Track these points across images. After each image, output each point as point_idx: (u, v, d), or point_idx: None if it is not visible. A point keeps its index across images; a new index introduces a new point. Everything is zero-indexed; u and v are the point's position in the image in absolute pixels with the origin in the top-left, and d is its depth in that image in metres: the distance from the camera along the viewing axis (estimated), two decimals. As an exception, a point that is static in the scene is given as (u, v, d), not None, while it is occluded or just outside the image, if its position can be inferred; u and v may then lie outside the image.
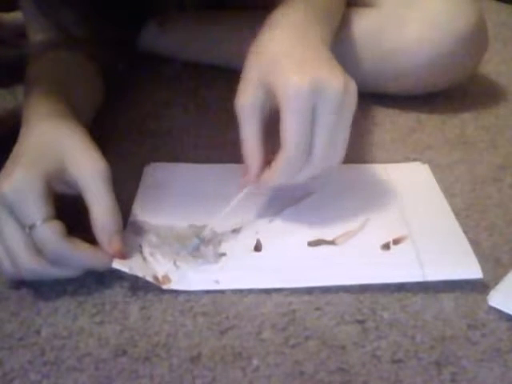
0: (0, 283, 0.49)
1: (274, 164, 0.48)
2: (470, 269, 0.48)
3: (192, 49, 0.85)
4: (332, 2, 0.62)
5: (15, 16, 0.92)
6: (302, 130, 0.46)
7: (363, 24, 0.73)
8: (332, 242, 0.52)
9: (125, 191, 0.57)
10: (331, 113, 0.47)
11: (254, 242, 0.52)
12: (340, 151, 0.49)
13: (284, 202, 0.56)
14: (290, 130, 0.46)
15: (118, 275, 0.48)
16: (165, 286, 0.47)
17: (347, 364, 0.42)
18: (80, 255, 0.46)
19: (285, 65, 0.48)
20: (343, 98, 0.47)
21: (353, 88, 0.48)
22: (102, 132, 0.55)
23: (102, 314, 0.46)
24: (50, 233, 0.44)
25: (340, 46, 0.72)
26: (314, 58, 0.49)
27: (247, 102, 0.49)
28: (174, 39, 0.86)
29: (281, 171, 0.48)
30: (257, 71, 0.50)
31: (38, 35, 0.70)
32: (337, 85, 0.47)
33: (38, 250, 0.45)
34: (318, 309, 0.46)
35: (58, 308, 0.47)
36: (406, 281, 0.48)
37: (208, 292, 0.48)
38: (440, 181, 0.60)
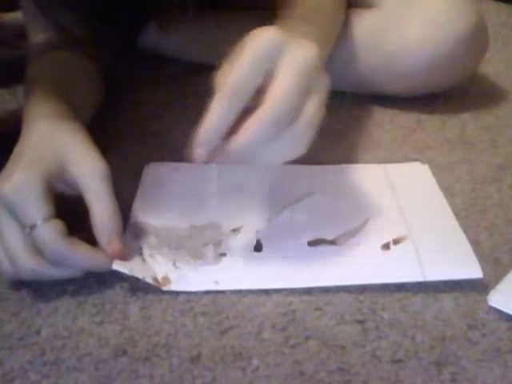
0: (0, 283, 0.49)
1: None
2: (470, 268, 0.48)
3: (193, 49, 0.85)
4: (329, 21, 0.62)
5: (14, 16, 0.92)
6: (248, 70, 0.42)
7: (364, 25, 0.73)
8: (332, 242, 0.52)
9: (125, 191, 0.57)
10: (294, 74, 0.42)
11: (254, 242, 0.52)
12: (306, 119, 0.43)
13: (284, 202, 0.56)
14: (237, 68, 0.42)
15: (119, 275, 0.48)
16: (165, 288, 0.47)
17: (347, 364, 0.42)
18: (80, 256, 0.46)
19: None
20: (312, 66, 0.43)
21: (326, 75, 0.44)
22: (103, 132, 0.55)
23: (102, 313, 0.46)
24: (51, 232, 0.44)
25: (341, 46, 0.72)
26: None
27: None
28: (175, 40, 0.86)
29: (214, 111, 0.42)
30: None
31: (38, 35, 0.70)
32: (308, 49, 0.43)
33: (37, 250, 0.45)
34: (318, 309, 0.46)
35: (57, 308, 0.47)
36: (405, 281, 0.48)
37: (208, 292, 0.47)
38: (440, 181, 0.60)
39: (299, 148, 0.44)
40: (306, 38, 0.46)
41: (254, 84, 0.42)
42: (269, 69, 0.43)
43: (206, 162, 0.44)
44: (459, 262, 0.49)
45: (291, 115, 0.42)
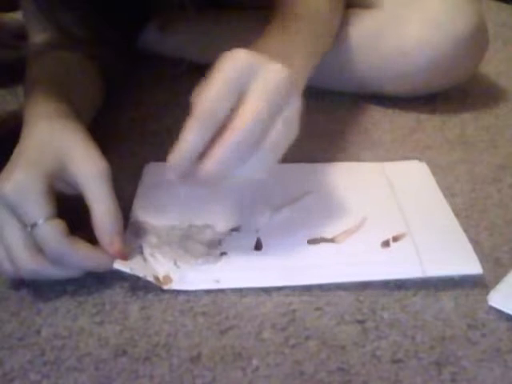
0: (0, 283, 0.49)
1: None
2: (469, 264, 0.48)
3: (192, 49, 0.85)
4: (324, 22, 0.62)
5: (14, 16, 0.92)
6: (222, 93, 0.42)
7: (363, 25, 0.73)
8: (332, 240, 0.52)
9: (126, 191, 0.57)
10: (262, 92, 0.42)
11: (254, 241, 0.52)
12: (271, 144, 0.43)
13: (283, 201, 0.56)
14: (208, 91, 0.43)
15: (119, 275, 0.48)
16: (166, 286, 0.47)
17: (347, 364, 0.42)
18: (81, 255, 0.46)
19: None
20: (281, 88, 0.43)
21: (298, 97, 0.45)
22: (103, 132, 0.55)
23: (102, 313, 0.46)
24: (52, 231, 0.44)
25: (340, 47, 0.72)
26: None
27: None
28: (175, 40, 0.86)
29: (186, 135, 0.43)
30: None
31: (38, 35, 0.70)
32: (279, 72, 0.43)
33: (38, 249, 0.45)
34: (318, 309, 0.46)
35: (58, 308, 0.47)
36: (405, 277, 0.48)
37: (208, 292, 0.48)
38: (440, 181, 0.60)
39: (263, 170, 0.45)
40: (284, 56, 0.47)
41: (226, 108, 0.43)
42: (240, 92, 0.43)
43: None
44: (459, 259, 0.49)
45: (258, 139, 0.43)
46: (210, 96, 0.43)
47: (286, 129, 0.44)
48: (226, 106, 0.43)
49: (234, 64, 0.43)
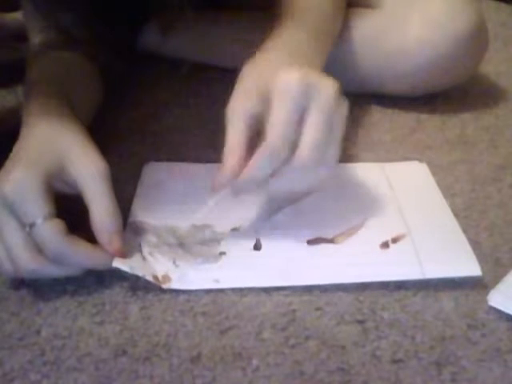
0: (0, 283, 0.49)
1: (253, 156, 0.46)
2: (468, 266, 0.48)
3: (193, 50, 0.85)
4: (328, 21, 0.62)
5: (15, 16, 0.92)
6: (288, 120, 0.45)
7: (364, 25, 0.73)
8: (331, 241, 0.52)
9: (125, 191, 0.57)
10: (321, 112, 0.45)
11: (254, 241, 0.52)
12: (329, 160, 0.47)
13: (283, 201, 0.56)
14: (276, 119, 0.45)
15: (118, 275, 0.48)
16: (165, 286, 0.47)
17: (347, 364, 0.42)
18: (80, 254, 0.46)
19: (282, 71, 0.47)
20: (335, 103, 0.46)
21: (345, 103, 0.47)
22: (103, 132, 0.55)
23: (102, 313, 0.46)
24: (51, 231, 0.44)
25: (341, 46, 0.72)
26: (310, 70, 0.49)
27: (239, 106, 0.48)
28: (175, 41, 0.85)
29: (260, 163, 0.46)
30: (253, 80, 0.50)
31: (38, 35, 0.70)
32: (330, 87, 0.46)
33: (38, 249, 0.45)
34: (318, 309, 0.46)
35: (58, 308, 0.47)
36: (405, 279, 0.48)
37: (208, 292, 0.48)
38: (440, 181, 0.60)
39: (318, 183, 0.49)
40: (309, 57, 0.50)
41: (292, 136, 0.46)
42: (300, 115, 0.46)
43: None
44: (458, 260, 0.49)
45: (287, 146, 0.46)
46: (279, 128, 0.45)
47: (336, 136, 0.47)
48: (292, 135, 0.46)
49: (292, 91, 0.45)
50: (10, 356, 0.43)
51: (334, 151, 0.47)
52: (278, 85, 0.46)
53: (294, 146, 0.46)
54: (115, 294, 0.48)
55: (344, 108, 0.47)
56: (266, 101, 0.47)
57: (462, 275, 0.48)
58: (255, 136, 0.47)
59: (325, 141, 0.46)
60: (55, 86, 0.57)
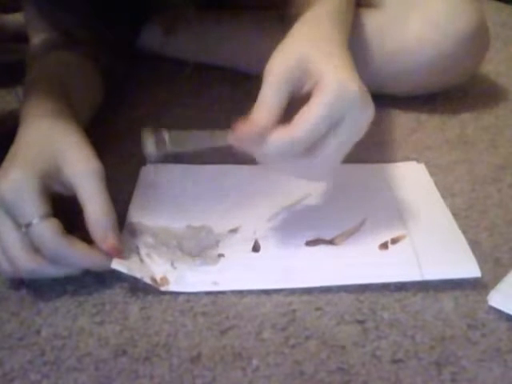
0: (0, 283, 0.49)
1: (272, 135, 0.45)
2: (468, 267, 0.48)
3: (193, 50, 0.85)
4: (346, 6, 0.61)
5: (15, 17, 0.92)
6: (323, 120, 0.44)
7: (364, 25, 0.73)
8: (330, 242, 0.52)
9: (124, 191, 0.57)
10: (356, 125, 0.46)
11: (252, 243, 0.52)
12: (337, 161, 0.48)
13: (282, 203, 0.56)
14: (312, 114, 0.44)
15: (118, 275, 0.48)
16: (163, 288, 0.47)
17: (347, 364, 0.42)
18: (77, 253, 0.46)
19: (318, 55, 0.47)
20: (370, 118, 0.47)
21: (372, 110, 0.47)
22: (102, 132, 0.55)
23: (102, 313, 0.46)
24: (47, 231, 0.44)
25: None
26: (340, 55, 0.48)
27: (279, 69, 0.46)
28: (176, 42, 0.85)
29: (280, 144, 0.45)
30: (296, 48, 0.48)
31: (38, 36, 0.70)
32: (371, 105, 0.46)
33: (35, 249, 0.45)
34: (318, 309, 0.46)
35: (57, 308, 0.47)
36: (404, 280, 0.48)
37: (208, 292, 0.47)
38: (440, 181, 0.60)
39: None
40: (345, 61, 0.48)
41: (314, 139, 0.45)
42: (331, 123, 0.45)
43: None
44: (457, 261, 0.49)
45: (310, 141, 0.45)
46: (312, 121, 0.44)
47: (354, 141, 0.47)
48: (317, 137, 0.45)
49: (329, 99, 0.44)
50: (10, 356, 0.43)
51: (339, 158, 0.48)
52: (329, 82, 0.45)
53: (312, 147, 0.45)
54: (115, 294, 0.48)
55: (371, 110, 0.47)
56: (303, 77, 0.46)
57: (461, 277, 0.48)
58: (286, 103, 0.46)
59: (342, 150, 0.47)
60: (55, 86, 0.57)
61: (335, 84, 0.45)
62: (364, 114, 0.46)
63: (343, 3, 0.59)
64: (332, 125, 0.45)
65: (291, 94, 0.46)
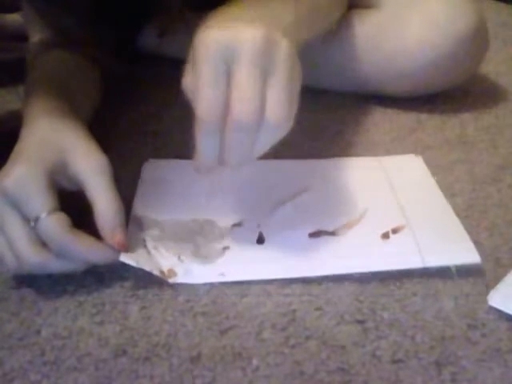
0: (0, 283, 0.49)
1: (226, 135, 0.43)
2: (467, 254, 0.49)
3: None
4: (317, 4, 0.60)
5: (15, 17, 0.92)
6: (213, 79, 0.42)
7: (364, 25, 0.73)
8: (332, 233, 0.52)
9: (126, 191, 0.57)
10: (246, 65, 0.42)
11: (257, 235, 0.52)
12: (277, 112, 0.43)
13: (284, 196, 0.57)
14: (202, 80, 0.43)
15: (118, 275, 0.48)
16: (171, 280, 0.48)
17: (347, 364, 0.42)
18: (85, 248, 0.46)
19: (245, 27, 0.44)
20: (263, 48, 0.42)
21: (284, 44, 0.43)
22: (103, 132, 0.55)
23: (102, 313, 0.46)
24: (55, 225, 0.45)
25: (340, 46, 0.72)
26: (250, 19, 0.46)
27: (213, 40, 0.44)
28: (174, 43, 0.85)
29: (232, 141, 0.43)
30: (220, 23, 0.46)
31: (38, 36, 0.70)
32: (254, 34, 0.42)
33: (42, 243, 0.45)
34: (317, 309, 0.46)
35: (57, 308, 0.47)
36: (406, 268, 0.48)
37: (208, 292, 0.48)
38: (440, 181, 0.60)
39: (278, 135, 0.44)
40: (257, 20, 0.45)
41: (222, 98, 0.43)
42: (227, 71, 0.43)
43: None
44: (457, 249, 0.50)
45: (258, 110, 0.42)
46: (203, 102, 0.43)
47: (285, 82, 0.43)
48: (221, 97, 0.43)
49: (210, 52, 0.43)
50: (10, 356, 0.43)
51: (280, 96, 0.43)
52: (196, 46, 0.44)
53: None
54: (115, 294, 0.48)
55: (298, 65, 0.45)
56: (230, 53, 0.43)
57: (461, 263, 0.48)
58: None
59: (290, 98, 0.43)
60: (55, 85, 0.57)
61: (199, 49, 0.44)
62: (285, 57, 0.43)
63: None
64: (223, 74, 0.43)
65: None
